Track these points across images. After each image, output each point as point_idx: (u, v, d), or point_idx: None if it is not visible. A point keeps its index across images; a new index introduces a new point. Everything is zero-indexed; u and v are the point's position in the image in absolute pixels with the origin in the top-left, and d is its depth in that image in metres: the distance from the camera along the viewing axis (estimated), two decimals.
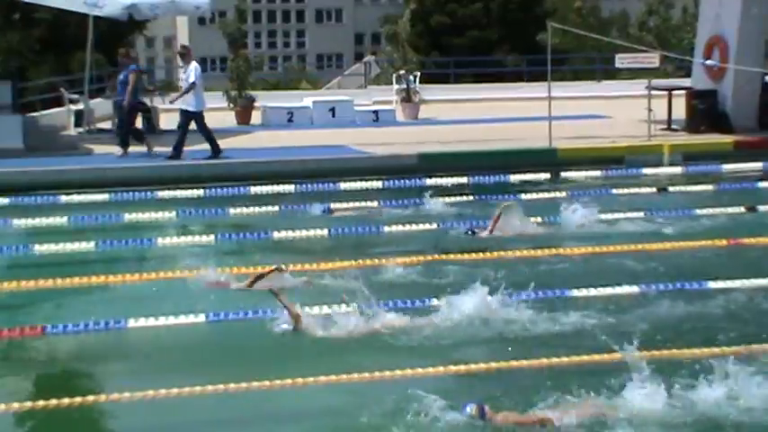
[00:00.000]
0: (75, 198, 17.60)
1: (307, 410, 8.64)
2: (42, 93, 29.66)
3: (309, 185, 18.45)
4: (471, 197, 17.68)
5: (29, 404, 8.60)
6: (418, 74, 30.65)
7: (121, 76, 21.40)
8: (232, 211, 16.52)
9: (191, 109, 20.61)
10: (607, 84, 39.00)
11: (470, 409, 7.95)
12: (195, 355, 10.01)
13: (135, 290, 12.26)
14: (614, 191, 17.82)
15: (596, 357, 9.25)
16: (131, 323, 10.53)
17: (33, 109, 26.40)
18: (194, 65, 20.88)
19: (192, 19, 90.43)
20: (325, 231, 14.93)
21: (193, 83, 20.56)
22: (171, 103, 22.20)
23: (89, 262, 13.69)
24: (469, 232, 14.79)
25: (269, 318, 10.48)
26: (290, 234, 14.76)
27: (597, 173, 19.58)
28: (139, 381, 8.96)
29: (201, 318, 10.73)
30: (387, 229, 15.14)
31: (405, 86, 28.96)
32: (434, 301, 10.86)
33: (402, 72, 29.56)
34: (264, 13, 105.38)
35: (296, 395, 8.79)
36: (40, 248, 14.25)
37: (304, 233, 14.77)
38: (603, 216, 15.29)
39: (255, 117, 27.31)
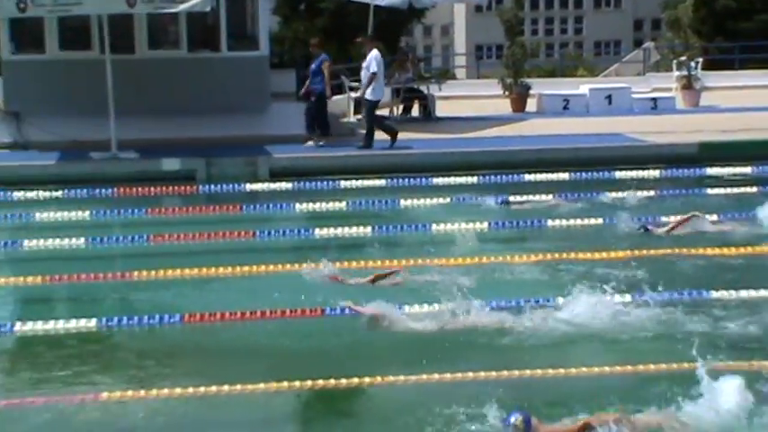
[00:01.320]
0: (353, 183, 18.10)
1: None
2: None
3: (584, 174, 18.28)
4: (754, 188, 17.07)
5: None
6: (700, 60, 29.79)
7: (313, 66, 20.92)
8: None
9: (368, 97, 20.64)
10: None
11: (515, 419, 7.39)
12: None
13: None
14: None
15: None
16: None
17: None
18: (374, 53, 20.71)
19: (470, 6, 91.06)
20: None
21: (374, 72, 20.58)
22: (358, 96, 21.89)
23: (364, 246, 14.06)
24: (642, 229, 14.22)
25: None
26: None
27: None
28: None
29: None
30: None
31: (685, 73, 28.23)
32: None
33: (683, 58, 28.84)
34: (542, 0, 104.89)
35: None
36: (320, 232, 14.76)
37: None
38: None
39: (530, 105, 27.25)
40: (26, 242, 14.28)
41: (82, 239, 14.33)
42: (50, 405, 8.60)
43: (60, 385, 9.05)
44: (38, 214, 15.97)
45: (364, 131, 20.61)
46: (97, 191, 17.27)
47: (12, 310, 11.71)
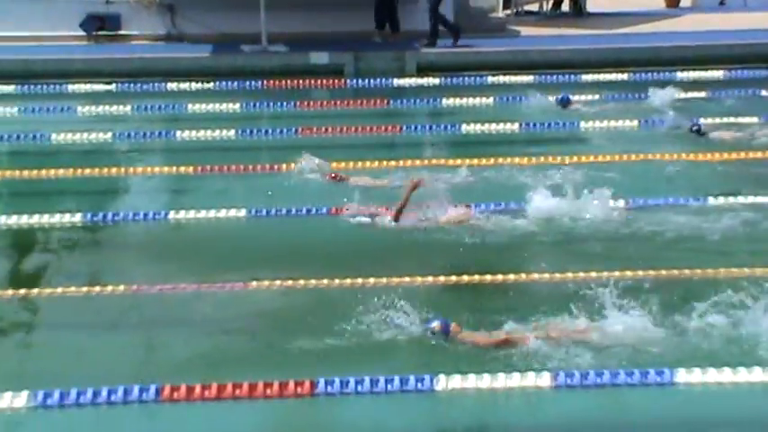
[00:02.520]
0: (501, 79, 17.93)
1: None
2: None
3: (739, 72, 17.76)
4: None
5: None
6: None
7: None
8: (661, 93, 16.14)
9: None
10: None
11: (434, 325, 7.71)
12: None
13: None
14: None
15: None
16: None
17: None
18: None
19: None
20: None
21: None
22: None
23: (513, 143, 13.99)
24: (695, 128, 13.78)
25: None
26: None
27: None
28: None
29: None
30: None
31: None
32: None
33: None
34: None
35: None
36: (467, 128, 14.72)
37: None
38: None
39: (685, 0, 26.45)
40: (179, 133, 14.61)
41: (232, 131, 14.59)
42: (200, 292, 8.87)
43: (211, 273, 9.30)
44: (190, 105, 16.29)
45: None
46: (247, 83, 17.52)
47: (165, 199, 12.04)
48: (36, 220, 10.90)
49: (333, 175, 11.93)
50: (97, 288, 9.02)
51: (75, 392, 7.02)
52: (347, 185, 11.60)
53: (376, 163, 12.69)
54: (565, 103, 15.66)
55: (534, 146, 13.62)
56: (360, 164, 12.63)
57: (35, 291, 9.08)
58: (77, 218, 10.98)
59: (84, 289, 9.00)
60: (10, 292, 9.13)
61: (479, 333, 7.77)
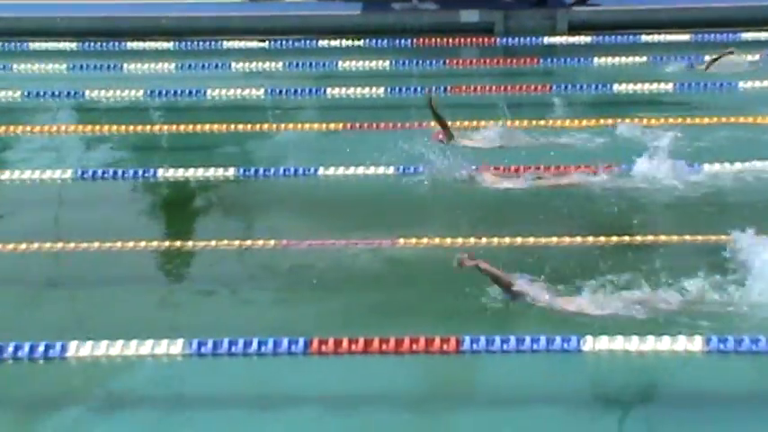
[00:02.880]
0: (656, 38, 17.57)
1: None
2: None
3: None
4: None
5: None
6: None
7: None
8: None
9: None
10: None
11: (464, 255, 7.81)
12: None
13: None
14: None
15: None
16: None
17: None
18: None
19: None
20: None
21: None
22: None
23: (663, 103, 13.74)
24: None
25: None
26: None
27: None
28: None
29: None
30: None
31: None
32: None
33: None
34: None
35: None
36: (618, 88, 14.51)
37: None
38: None
39: None
40: (329, 90, 14.75)
41: (381, 89, 14.67)
42: (347, 248, 9.00)
43: (359, 229, 9.42)
44: (340, 63, 16.41)
45: None
46: (397, 41, 17.55)
47: (315, 156, 12.17)
48: (191, 173, 11.20)
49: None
50: (248, 242, 9.23)
51: (227, 342, 7.22)
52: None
53: (525, 122, 12.61)
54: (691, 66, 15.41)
55: (686, 107, 13.34)
56: (509, 123, 12.57)
57: (189, 243, 9.36)
58: (231, 172, 11.23)
59: (237, 242, 9.23)
60: (167, 243, 9.44)
61: (493, 267, 7.81)
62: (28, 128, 13.18)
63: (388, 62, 16.33)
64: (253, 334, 7.30)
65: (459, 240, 9.04)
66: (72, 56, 16.84)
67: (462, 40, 17.69)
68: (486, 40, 17.82)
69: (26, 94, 14.60)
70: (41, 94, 14.57)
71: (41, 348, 7.25)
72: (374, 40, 17.60)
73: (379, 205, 10.27)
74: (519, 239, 9.02)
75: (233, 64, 16.39)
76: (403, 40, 17.56)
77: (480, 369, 7.14)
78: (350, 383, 7.04)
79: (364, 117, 13.10)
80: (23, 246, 9.22)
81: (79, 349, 7.27)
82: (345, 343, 7.21)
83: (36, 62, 16.38)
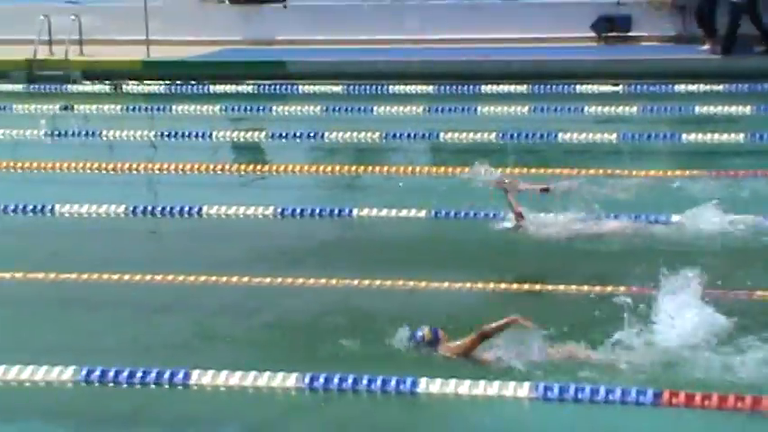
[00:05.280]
0: None
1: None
2: None
3: None
4: None
5: None
6: None
7: None
8: None
9: None
10: None
11: (422, 332, 7.66)
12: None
13: None
14: None
15: None
16: None
17: None
18: None
19: None
20: None
21: None
22: None
23: None
24: None
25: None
26: None
27: None
28: None
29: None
30: None
31: None
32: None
33: None
34: None
35: None
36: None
37: None
38: None
39: None
40: (684, 135, 14.40)
41: (741, 135, 14.20)
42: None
43: None
44: (697, 107, 15.99)
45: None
46: (758, 86, 16.92)
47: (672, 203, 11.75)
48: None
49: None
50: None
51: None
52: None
53: None
54: None
55: None
56: None
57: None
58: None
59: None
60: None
61: (460, 340, 7.65)
62: (384, 168, 13.58)
63: (748, 107, 15.78)
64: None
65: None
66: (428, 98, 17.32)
67: None
68: None
69: (384, 135, 15.11)
70: (399, 135, 15.04)
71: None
72: (734, 85, 17.06)
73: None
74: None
75: (586, 108, 16.32)
76: (765, 85, 16.93)
77: None
78: None
79: (721, 164, 12.69)
80: None
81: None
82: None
83: (395, 104, 16.95)
